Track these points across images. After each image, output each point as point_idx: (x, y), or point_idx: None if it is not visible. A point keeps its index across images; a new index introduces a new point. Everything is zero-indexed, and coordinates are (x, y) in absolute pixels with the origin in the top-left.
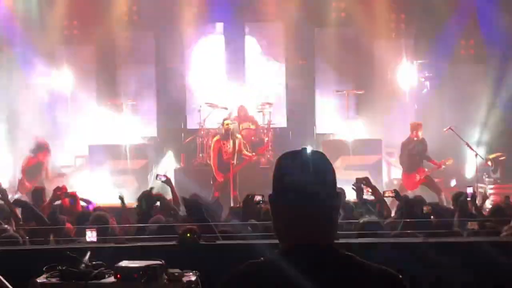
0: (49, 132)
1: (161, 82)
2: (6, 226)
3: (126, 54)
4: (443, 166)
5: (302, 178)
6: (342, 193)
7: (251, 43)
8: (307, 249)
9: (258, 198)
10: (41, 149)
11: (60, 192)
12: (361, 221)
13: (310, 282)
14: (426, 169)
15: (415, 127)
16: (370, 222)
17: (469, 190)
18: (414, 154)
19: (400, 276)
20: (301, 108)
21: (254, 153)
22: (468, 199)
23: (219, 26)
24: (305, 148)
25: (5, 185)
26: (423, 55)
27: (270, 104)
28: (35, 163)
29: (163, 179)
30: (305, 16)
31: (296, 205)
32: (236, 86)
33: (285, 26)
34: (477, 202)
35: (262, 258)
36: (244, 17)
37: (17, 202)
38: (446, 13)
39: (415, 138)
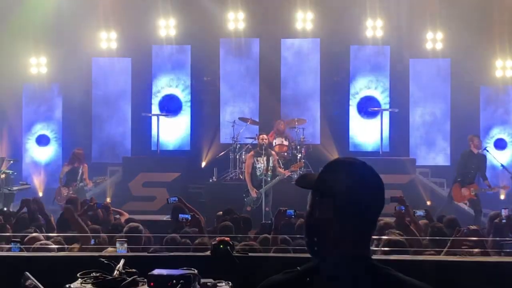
0: (84, 142)
1: (196, 95)
2: (36, 234)
3: (162, 66)
4: (496, 189)
5: (347, 187)
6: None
7: (286, 59)
8: (345, 260)
9: (289, 212)
10: (77, 158)
11: (92, 203)
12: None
13: None
14: (479, 186)
15: (471, 139)
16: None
17: (504, 212)
18: (472, 167)
19: None
20: (335, 125)
21: (287, 170)
22: (504, 221)
23: (255, 41)
24: (357, 159)
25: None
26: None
27: (304, 120)
28: (70, 170)
29: (175, 200)
30: (341, 33)
31: (336, 212)
32: (270, 101)
33: (320, 43)
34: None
35: (298, 268)
36: (280, 33)
37: (24, 202)
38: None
39: (475, 152)
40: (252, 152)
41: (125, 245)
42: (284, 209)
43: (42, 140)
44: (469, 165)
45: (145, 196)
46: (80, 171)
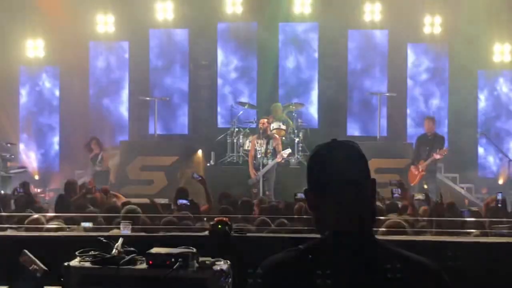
0: (82, 126)
1: (193, 79)
2: (36, 215)
3: (160, 50)
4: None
5: (336, 167)
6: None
7: (284, 43)
8: (346, 237)
9: (300, 195)
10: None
11: (91, 186)
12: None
13: (349, 268)
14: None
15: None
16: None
17: (499, 196)
18: (425, 149)
19: (439, 269)
20: (332, 109)
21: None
22: (499, 205)
23: (253, 25)
24: (335, 139)
25: None
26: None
27: (301, 104)
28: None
29: (198, 178)
30: (339, 18)
31: (332, 193)
32: (268, 85)
33: (319, 27)
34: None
35: (300, 246)
36: (278, 17)
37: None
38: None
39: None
40: (255, 136)
41: (129, 226)
42: (296, 193)
43: (39, 124)
44: (421, 148)
45: (143, 180)
46: (99, 157)
